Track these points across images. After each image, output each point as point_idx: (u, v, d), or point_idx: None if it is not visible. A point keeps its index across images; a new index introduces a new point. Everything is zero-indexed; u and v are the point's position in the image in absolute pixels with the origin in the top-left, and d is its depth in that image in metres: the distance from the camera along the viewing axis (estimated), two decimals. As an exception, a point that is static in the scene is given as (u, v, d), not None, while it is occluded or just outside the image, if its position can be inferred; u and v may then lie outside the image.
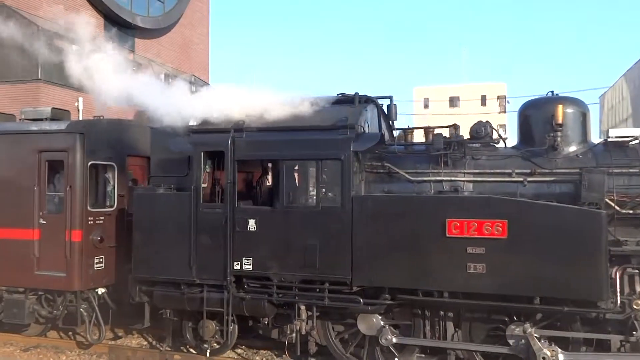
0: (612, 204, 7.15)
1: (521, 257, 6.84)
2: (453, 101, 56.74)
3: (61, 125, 9.20)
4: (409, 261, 7.28)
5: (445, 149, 7.84)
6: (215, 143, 8.18)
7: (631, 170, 7.34)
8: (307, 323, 7.99)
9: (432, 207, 7.24)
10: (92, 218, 9.10)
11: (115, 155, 9.54)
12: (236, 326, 8.49)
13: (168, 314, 8.80)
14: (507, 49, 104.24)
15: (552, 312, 7.09)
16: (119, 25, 22.58)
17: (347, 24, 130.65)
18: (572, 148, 7.67)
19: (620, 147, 7.54)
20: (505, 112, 54.20)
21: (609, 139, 7.63)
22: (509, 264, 6.88)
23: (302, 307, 7.95)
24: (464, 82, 58.95)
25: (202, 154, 8.26)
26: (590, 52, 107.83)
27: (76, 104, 17.71)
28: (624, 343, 7.02)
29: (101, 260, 9.22)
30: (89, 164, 9.06)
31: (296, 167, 8.09)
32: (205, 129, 8.33)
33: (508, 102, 54.81)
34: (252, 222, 7.96)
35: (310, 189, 7.89)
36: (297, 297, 7.91)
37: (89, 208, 9.06)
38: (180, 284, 8.39)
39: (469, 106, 52.42)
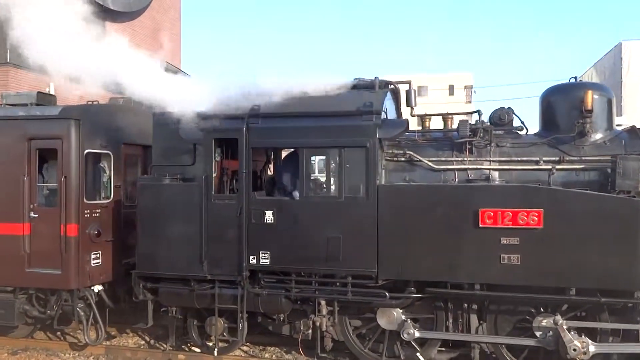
0: (645, 192, 7.00)
1: (557, 247, 6.64)
2: (421, 91, 56.94)
3: (54, 111, 8.48)
4: (439, 253, 6.99)
5: (471, 136, 7.55)
6: (228, 129, 7.66)
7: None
8: (327, 319, 7.63)
9: (464, 197, 6.95)
10: (88, 211, 8.43)
11: (111, 143, 8.88)
12: (246, 323, 8.05)
13: (173, 312, 8.29)
14: (473, 38, 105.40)
15: (579, 303, 6.93)
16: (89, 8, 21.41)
17: (315, 11, 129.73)
18: (599, 135, 7.47)
19: (647, 134, 7.40)
20: (471, 102, 54.80)
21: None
22: (544, 254, 6.68)
23: (323, 303, 7.58)
24: (431, 71, 59.30)
25: (212, 141, 7.73)
26: (555, 42, 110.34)
27: (47, 89, 16.69)
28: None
29: (98, 255, 8.58)
30: (85, 152, 8.40)
31: (317, 155, 7.67)
32: (216, 115, 7.77)
33: (475, 91, 55.44)
34: (269, 213, 7.50)
35: (333, 178, 7.47)
36: (317, 292, 7.54)
37: (85, 200, 8.39)
38: (190, 281, 7.89)
39: (437, 96, 52.82)
